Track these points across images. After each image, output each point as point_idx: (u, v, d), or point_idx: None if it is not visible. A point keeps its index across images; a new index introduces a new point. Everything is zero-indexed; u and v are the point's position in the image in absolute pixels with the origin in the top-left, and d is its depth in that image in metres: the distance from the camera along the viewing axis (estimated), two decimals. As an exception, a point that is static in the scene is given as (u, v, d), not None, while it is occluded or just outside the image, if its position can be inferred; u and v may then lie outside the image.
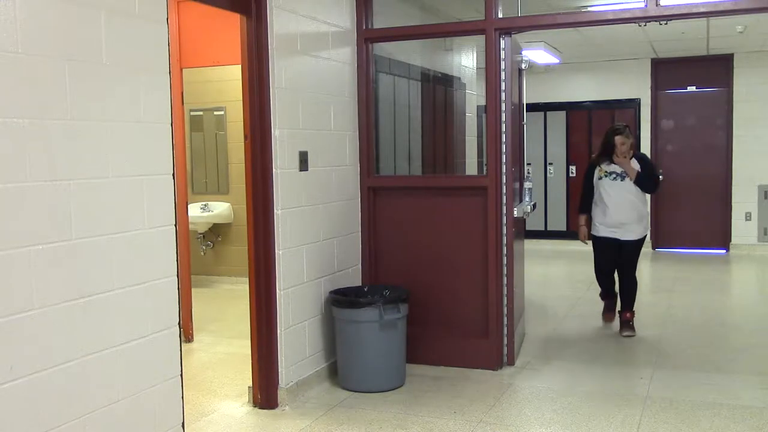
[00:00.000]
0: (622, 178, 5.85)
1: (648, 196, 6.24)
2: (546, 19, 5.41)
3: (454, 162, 7.62)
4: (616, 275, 6.21)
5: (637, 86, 10.82)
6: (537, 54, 9.10)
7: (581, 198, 6.15)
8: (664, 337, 6.03)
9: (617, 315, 6.24)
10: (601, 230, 5.96)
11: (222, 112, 7.98)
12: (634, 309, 6.06)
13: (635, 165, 5.88)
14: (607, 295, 6.42)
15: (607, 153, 5.92)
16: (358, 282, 5.23)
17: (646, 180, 5.88)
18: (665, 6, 4.63)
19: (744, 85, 10.29)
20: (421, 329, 5.10)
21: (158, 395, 3.41)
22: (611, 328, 6.39)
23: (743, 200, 10.36)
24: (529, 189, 5.60)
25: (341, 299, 4.70)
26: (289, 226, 4.43)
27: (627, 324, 6.01)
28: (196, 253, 7.96)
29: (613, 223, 5.88)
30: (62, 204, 2.90)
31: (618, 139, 5.86)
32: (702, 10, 4.74)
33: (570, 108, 11.29)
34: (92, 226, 3.04)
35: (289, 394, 4.42)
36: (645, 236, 6.00)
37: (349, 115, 5.13)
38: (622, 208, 5.85)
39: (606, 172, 5.91)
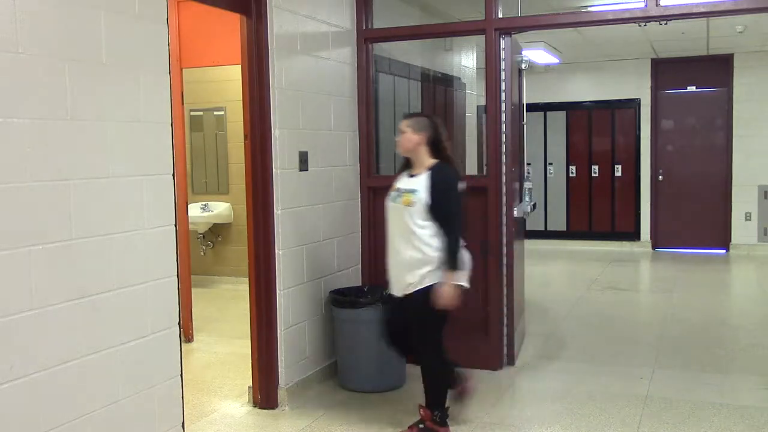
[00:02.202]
0: (395, 199, 3.85)
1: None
2: (546, 19, 5.41)
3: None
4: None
5: (637, 86, 10.82)
6: (537, 54, 9.10)
7: None
8: (664, 337, 6.03)
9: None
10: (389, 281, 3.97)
11: (222, 112, 7.98)
12: (438, 413, 3.85)
13: (420, 181, 3.76)
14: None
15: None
16: (358, 282, 5.23)
17: (436, 210, 3.71)
18: (665, 6, 4.63)
19: (744, 85, 10.29)
20: (421, 329, 5.09)
21: (158, 395, 3.41)
22: (612, 328, 6.39)
23: (743, 200, 10.36)
24: (529, 189, 5.60)
25: (341, 299, 4.70)
26: (289, 226, 4.43)
27: (416, 426, 3.89)
28: (196, 253, 7.95)
29: (389, 267, 3.91)
30: (62, 204, 2.90)
31: (402, 124, 3.89)
32: (702, 10, 4.73)
33: (570, 108, 11.28)
34: (92, 226, 3.04)
35: (289, 394, 4.42)
36: (431, 289, 3.69)
37: (349, 115, 5.13)
38: (394, 245, 3.84)
39: (395, 188, 3.91)
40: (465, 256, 3.84)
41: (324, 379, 4.80)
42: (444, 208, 3.71)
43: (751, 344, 5.76)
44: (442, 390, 3.90)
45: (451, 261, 3.69)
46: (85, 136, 3.00)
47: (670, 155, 10.79)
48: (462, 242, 3.77)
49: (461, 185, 3.81)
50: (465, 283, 3.83)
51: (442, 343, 3.87)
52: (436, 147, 3.83)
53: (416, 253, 3.72)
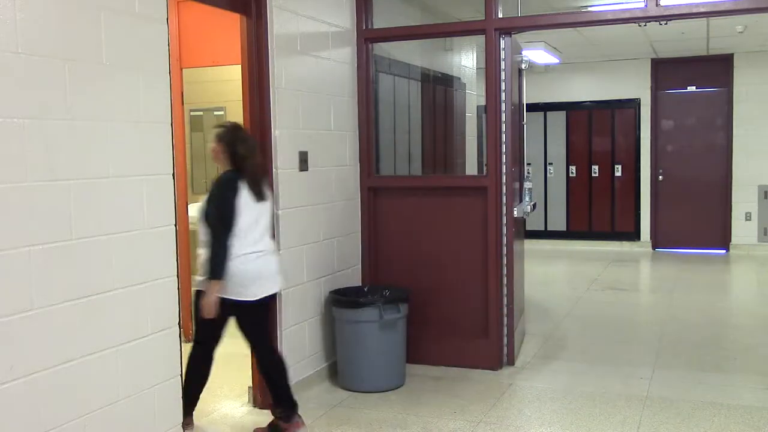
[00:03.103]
0: None
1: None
2: (546, 19, 5.41)
3: (454, 162, 7.61)
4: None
5: (637, 86, 10.82)
6: (537, 54, 9.09)
7: None
8: (664, 337, 6.03)
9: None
10: None
11: (222, 112, 7.96)
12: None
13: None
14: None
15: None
16: (358, 282, 5.23)
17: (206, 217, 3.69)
18: (665, 6, 4.63)
19: (744, 85, 10.29)
20: (421, 329, 5.10)
21: (158, 395, 3.41)
22: (612, 328, 6.39)
23: (743, 200, 10.36)
24: (529, 189, 5.60)
25: (341, 299, 4.70)
26: (289, 226, 4.43)
27: None
28: (197, 253, 7.94)
29: None
30: (62, 204, 2.90)
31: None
32: (702, 10, 4.73)
33: (570, 108, 11.28)
34: (92, 226, 3.04)
35: (289, 394, 4.41)
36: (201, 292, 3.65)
37: (349, 115, 5.13)
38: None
39: None
40: (249, 266, 3.68)
41: (324, 379, 4.80)
42: (206, 216, 3.68)
43: (751, 344, 5.76)
44: (189, 386, 3.72)
45: (208, 269, 3.60)
46: (85, 136, 3.00)
47: (670, 155, 10.79)
48: (253, 252, 3.69)
49: (241, 195, 3.68)
50: (232, 295, 3.66)
51: (203, 345, 3.81)
52: (234, 157, 3.76)
53: (203, 256, 3.69)
